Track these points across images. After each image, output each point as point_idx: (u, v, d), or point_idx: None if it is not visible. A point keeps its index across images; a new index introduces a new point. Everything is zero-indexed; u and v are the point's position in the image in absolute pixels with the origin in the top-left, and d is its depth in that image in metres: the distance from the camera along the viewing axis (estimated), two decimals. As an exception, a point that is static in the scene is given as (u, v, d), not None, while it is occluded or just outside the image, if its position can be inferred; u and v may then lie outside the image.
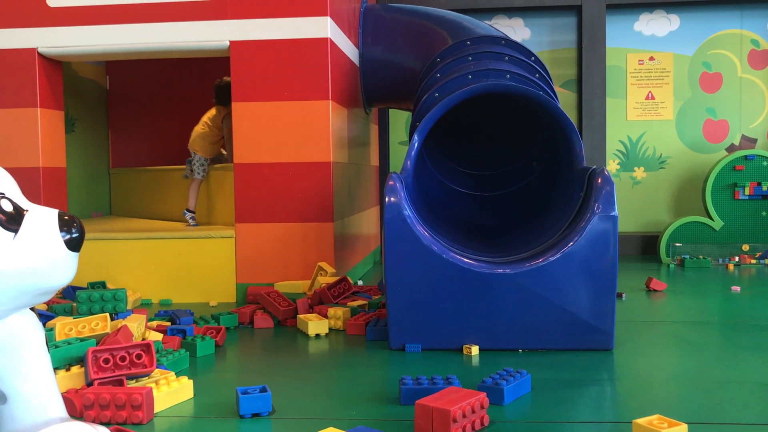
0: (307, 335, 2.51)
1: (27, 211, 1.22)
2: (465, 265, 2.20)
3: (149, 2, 3.21)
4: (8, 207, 1.18)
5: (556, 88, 3.75)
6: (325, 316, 2.63)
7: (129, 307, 2.95)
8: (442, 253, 2.20)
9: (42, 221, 1.21)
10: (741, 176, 4.34)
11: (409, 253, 2.20)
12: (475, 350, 2.20)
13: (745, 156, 4.35)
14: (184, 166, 3.93)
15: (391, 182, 2.26)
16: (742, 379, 1.91)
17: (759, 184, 4.31)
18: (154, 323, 2.54)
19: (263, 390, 1.70)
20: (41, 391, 1.27)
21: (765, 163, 4.33)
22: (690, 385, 1.88)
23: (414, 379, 1.77)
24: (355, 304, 2.79)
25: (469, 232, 2.83)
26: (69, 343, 1.94)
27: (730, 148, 4.85)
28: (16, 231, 1.17)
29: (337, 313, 2.59)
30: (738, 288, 3.33)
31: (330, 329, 2.58)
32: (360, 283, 3.52)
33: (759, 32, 4.84)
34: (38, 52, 3.26)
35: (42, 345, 1.30)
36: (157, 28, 3.20)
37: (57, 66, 3.41)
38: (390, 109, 4.96)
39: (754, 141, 4.86)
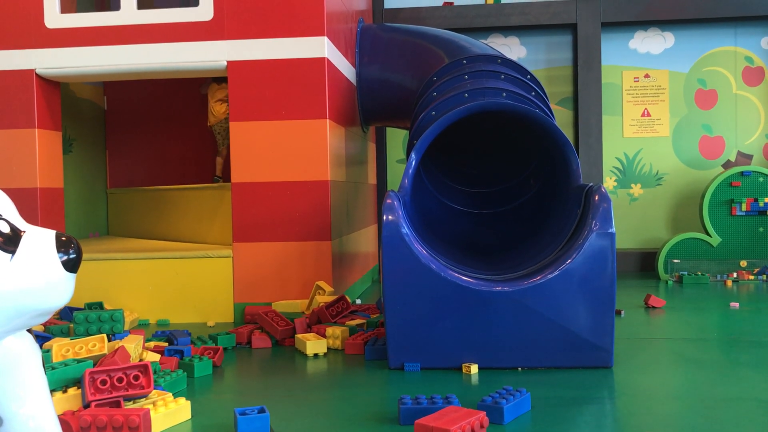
0: (306, 355, 2.50)
1: (24, 232, 1.22)
2: (463, 283, 2.19)
3: (147, 23, 3.22)
4: (5, 228, 1.18)
5: (553, 106, 3.77)
6: (324, 336, 2.61)
7: (126, 327, 2.94)
8: (440, 272, 2.19)
9: (39, 242, 1.21)
10: (738, 192, 4.35)
11: (408, 272, 2.20)
12: (474, 369, 2.19)
13: (742, 172, 4.36)
14: (182, 186, 3.94)
15: (389, 201, 2.26)
16: (742, 396, 1.90)
17: (755, 200, 4.32)
18: (152, 344, 2.53)
19: (261, 411, 1.69)
20: (38, 413, 1.26)
21: (761, 179, 4.34)
22: (690, 402, 1.87)
23: (413, 398, 1.76)
24: (353, 323, 2.78)
25: (468, 249, 2.83)
26: (66, 365, 1.93)
27: (727, 165, 4.87)
28: (13, 252, 1.17)
29: (335, 332, 2.58)
30: (737, 304, 3.33)
31: (328, 349, 2.57)
32: (358, 301, 3.51)
33: (753, 49, 4.87)
34: (36, 73, 3.27)
35: (39, 367, 1.29)
36: (155, 48, 3.21)
37: (55, 87, 3.42)
38: (387, 128, 4.97)
39: (749, 157, 4.88)
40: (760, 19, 4.80)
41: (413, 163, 2.46)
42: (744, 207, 4.32)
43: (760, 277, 4.24)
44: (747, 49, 4.88)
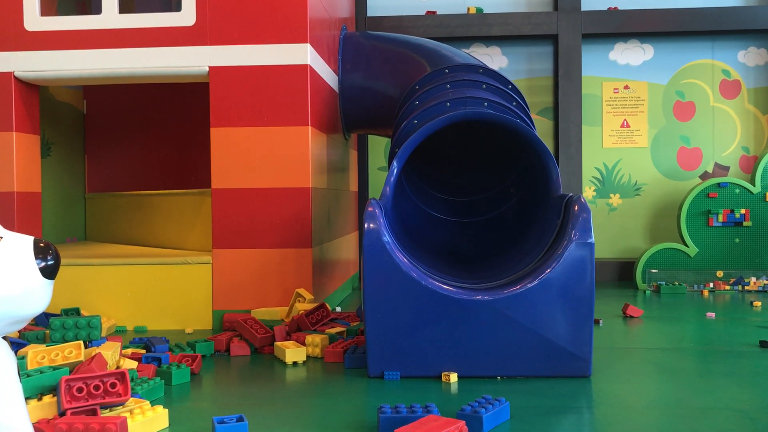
0: (285, 363, 2.49)
1: (2, 238, 1.20)
2: (444, 291, 2.20)
3: (128, 27, 3.20)
4: (-18, 234, 1.17)
5: (533, 116, 3.80)
6: (303, 344, 2.61)
7: (103, 334, 2.91)
8: (421, 280, 2.20)
9: (17, 249, 1.19)
10: (714, 203, 4.41)
11: (388, 280, 2.20)
12: (453, 377, 2.19)
13: (718, 183, 4.42)
14: (161, 191, 3.91)
15: (370, 209, 2.26)
16: (719, 406, 1.92)
17: (732, 211, 4.38)
18: (129, 351, 2.50)
19: (240, 419, 1.68)
20: (12, 422, 1.25)
21: (737, 191, 4.40)
22: (668, 412, 1.89)
23: (393, 407, 1.76)
24: (333, 331, 2.77)
25: (448, 258, 2.84)
26: (41, 372, 1.91)
27: (704, 176, 4.93)
28: (-11, 258, 1.16)
29: (315, 340, 2.58)
30: (713, 314, 3.37)
31: (308, 357, 2.56)
32: (338, 309, 3.50)
33: (730, 63, 4.95)
34: (15, 76, 3.23)
35: (14, 374, 1.27)
36: (136, 53, 3.19)
37: (34, 90, 3.38)
38: (369, 135, 4.98)
39: (726, 169, 4.94)
40: (737, 33, 4.87)
41: (395, 171, 2.46)
42: (721, 218, 4.38)
43: (735, 287, 4.29)
44: (724, 63, 4.95)
